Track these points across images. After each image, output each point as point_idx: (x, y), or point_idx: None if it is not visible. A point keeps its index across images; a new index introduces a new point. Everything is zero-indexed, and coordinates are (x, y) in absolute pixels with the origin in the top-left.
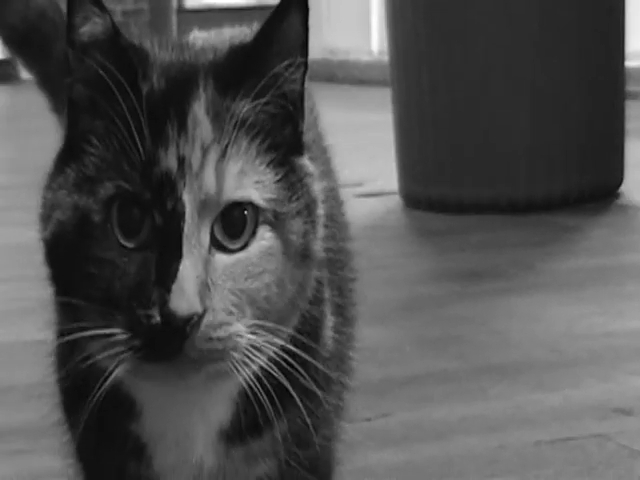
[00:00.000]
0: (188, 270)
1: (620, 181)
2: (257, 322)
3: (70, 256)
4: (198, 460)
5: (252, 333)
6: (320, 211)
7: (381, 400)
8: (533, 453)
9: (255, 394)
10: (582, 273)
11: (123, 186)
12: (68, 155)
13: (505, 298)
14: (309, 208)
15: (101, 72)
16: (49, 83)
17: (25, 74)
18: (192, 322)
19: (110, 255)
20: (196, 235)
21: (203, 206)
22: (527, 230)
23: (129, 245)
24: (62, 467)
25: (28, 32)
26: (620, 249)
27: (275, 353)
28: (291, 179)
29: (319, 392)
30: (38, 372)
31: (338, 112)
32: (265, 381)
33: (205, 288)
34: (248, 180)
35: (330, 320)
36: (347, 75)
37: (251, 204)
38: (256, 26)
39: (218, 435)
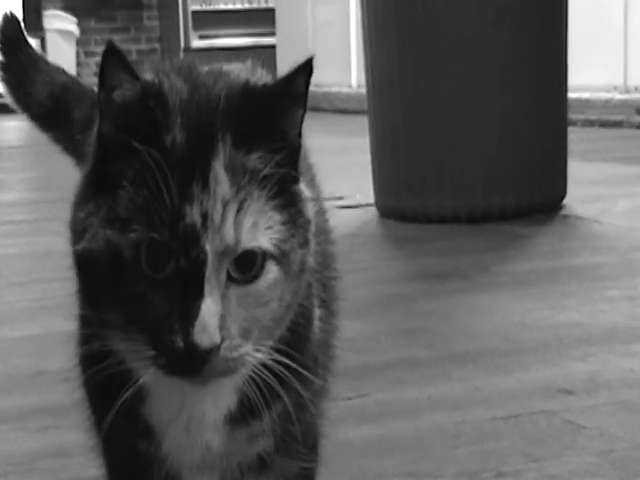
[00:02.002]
0: (210, 308)
1: (563, 195)
2: (261, 339)
3: (100, 279)
4: (206, 443)
5: (257, 350)
6: (312, 228)
7: (360, 382)
8: (490, 427)
9: (257, 383)
10: (531, 274)
11: (153, 236)
12: (97, 185)
13: (466, 296)
14: (305, 231)
15: (118, 130)
16: (71, 144)
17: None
18: (214, 351)
19: (138, 286)
20: (216, 277)
21: (222, 254)
22: (484, 237)
23: (156, 278)
24: (87, 442)
25: (54, 106)
26: (564, 254)
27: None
28: (293, 214)
29: (310, 375)
30: (65, 359)
31: (323, 137)
32: (265, 370)
33: (224, 320)
34: (260, 229)
35: (317, 312)
36: (330, 105)
37: (261, 251)
38: (265, 78)
39: (224, 420)
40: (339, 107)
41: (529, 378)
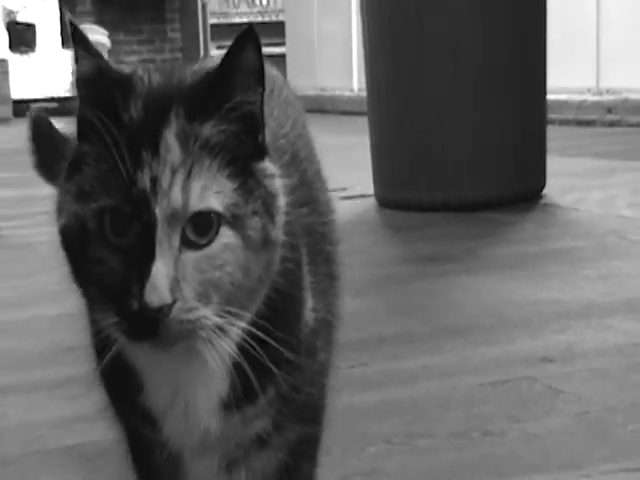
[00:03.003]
0: (160, 269)
1: (543, 186)
2: (223, 306)
3: (76, 253)
4: (204, 427)
5: (218, 316)
6: (280, 202)
7: (360, 353)
8: (478, 393)
9: (242, 368)
10: (515, 257)
11: (110, 203)
12: (74, 167)
13: (456, 277)
14: (267, 204)
15: (86, 106)
16: None
17: None
18: (164, 310)
19: (102, 254)
20: (167, 240)
21: (172, 217)
22: (472, 224)
23: (118, 245)
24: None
25: (51, 153)
26: (544, 238)
27: (248, 331)
28: (249, 183)
29: (298, 359)
30: None
31: (327, 136)
32: (248, 356)
33: (175, 282)
34: (210, 192)
35: (310, 301)
36: (334, 107)
37: (213, 213)
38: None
39: (218, 405)
40: (342, 109)
41: (513, 349)
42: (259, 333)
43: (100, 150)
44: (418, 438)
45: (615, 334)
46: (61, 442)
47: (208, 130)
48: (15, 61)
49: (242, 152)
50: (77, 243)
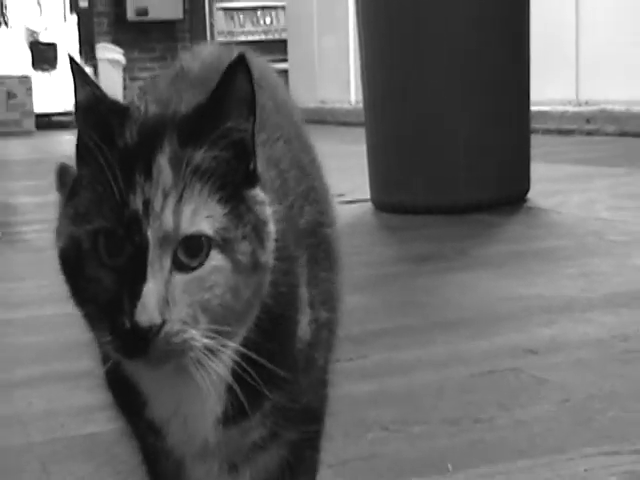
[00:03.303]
0: (150, 290)
1: (527, 190)
2: (212, 327)
3: (72, 273)
4: (203, 438)
5: (207, 337)
6: (270, 229)
7: (360, 346)
8: (469, 382)
9: (235, 386)
10: (503, 256)
11: (104, 224)
12: (73, 192)
13: (448, 274)
14: (257, 229)
15: (84, 132)
16: None
17: None
18: (153, 330)
19: (96, 273)
20: (158, 262)
21: (163, 240)
22: (463, 226)
23: (111, 265)
24: None
25: None
26: (529, 239)
27: (239, 353)
28: (240, 209)
29: (293, 376)
30: None
31: (327, 144)
32: (241, 377)
33: (165, 304)
34: (200, 216)
35: (308, 313)
36: (334, 118)
37: (204, 237)
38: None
39: (215, 420)
40: (341, 120)
41: (501, 341)
42: (251, 354)
43: (96, 173)
44: (413, 425)
45: (595, 327)
46: (82, 430)
47: (200, 156)
48: (37, 78)
49: (233, 178)
50: (74, 263)
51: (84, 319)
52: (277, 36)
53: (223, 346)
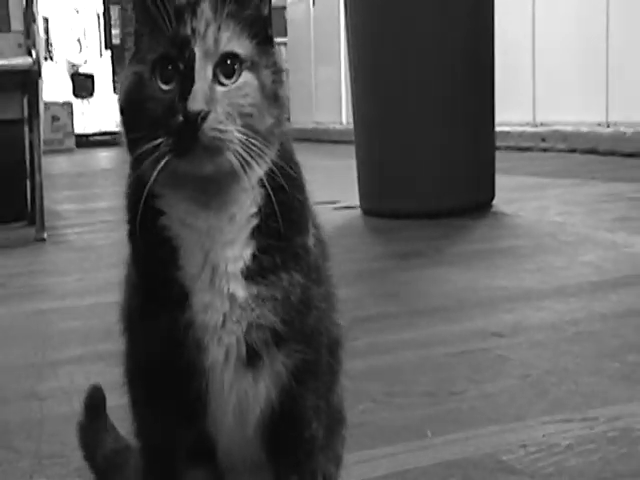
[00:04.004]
0: (198, 87)
1: (493, 198)
2: (245, 130)
3: (133, 102)
4: (231, 292)
5: (241, 134)
6: (282, 67)
7: (351, 331)
8: (444, 360)
9: (263, 231)
10: (471, 253)
11: (161, 50)
12: (134, 52)
13: (426, 269)
14: (276, 67)
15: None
16: None
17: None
18: (202, 115)
19: (155, 94)
20: (203, 71)
21: (207, 54)
22: (438, 228)
23: (166, 87)
24: None
25: (105, 466)
26: (494, 239)
27: (267, 174)
28: (263, 49)
29: (302, 240)
30: None
31: (322, 160)
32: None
33: (210, 99)
34: (234, 42)
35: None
36: (328, 137)
37: (237, 56)
38: None
39: (240, 272)
40: (333, 139)
41: (471, 325)
42: (277, 177)
43: (152, 22)
44: (397, 397)
45: (550, 313)
46: (117, 401)
47: (231, 7)
48: (77, 104)
49: (257, 31)
50: (135, 95)
51: (136, 146)
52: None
53: (255, 154)
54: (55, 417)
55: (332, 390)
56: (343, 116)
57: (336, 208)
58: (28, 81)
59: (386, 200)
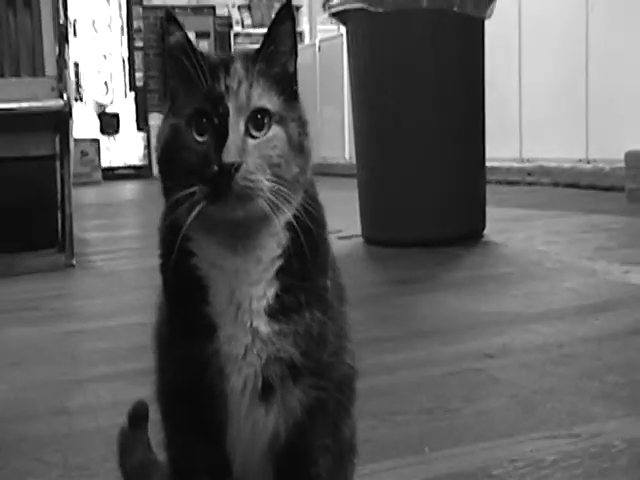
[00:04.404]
0: (232, 140)
1: (484, 228)
2: (274, 179)
3: (170, 152)
4: (254, 327)
5: (270, 182)
6: (307, 120)
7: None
8: (440, 380)
9: (288, 271)
10: (464, 280)
11: (196, 106)
12: (170, 106)
13: (423, 294)
14: (301, 121)
15: (176, 55)
16: None
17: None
18: (235, 166)
19: (191, 145)
20: (236, 125)
21: (239, 110)
22: (434, 256)
23: (201, 139)
24: None
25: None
26: (485, 266)
27: (294, 216)
28: (290, 103)
29: (323, 282)
30: None
31: (328, 192)
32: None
33: (242, 151)
34: (264, 98)
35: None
36: (332, 171)
37: (267, 111)
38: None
39: (263, 309)
40: (338, 172)
41: (465, 347)
42: (304, 218)
43: (188, 78)
44: (396, 414)
45: (536, 336)
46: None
47: (261, 65)
48: (104, 140)
49: (284, 87)
50: (172, 144)
51: (172, 193)
52: None
53: (283, 199)
54: (82, 432)
55: (340, 427)
56: (346, 152)
57: (340, 237)
58: (60, 121)
59: (386, 230)
